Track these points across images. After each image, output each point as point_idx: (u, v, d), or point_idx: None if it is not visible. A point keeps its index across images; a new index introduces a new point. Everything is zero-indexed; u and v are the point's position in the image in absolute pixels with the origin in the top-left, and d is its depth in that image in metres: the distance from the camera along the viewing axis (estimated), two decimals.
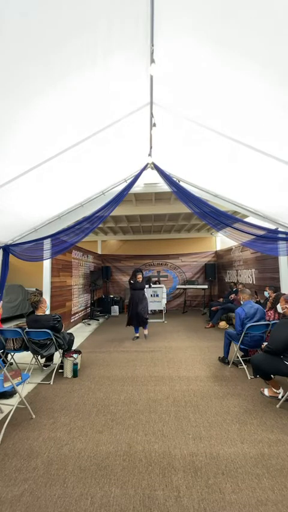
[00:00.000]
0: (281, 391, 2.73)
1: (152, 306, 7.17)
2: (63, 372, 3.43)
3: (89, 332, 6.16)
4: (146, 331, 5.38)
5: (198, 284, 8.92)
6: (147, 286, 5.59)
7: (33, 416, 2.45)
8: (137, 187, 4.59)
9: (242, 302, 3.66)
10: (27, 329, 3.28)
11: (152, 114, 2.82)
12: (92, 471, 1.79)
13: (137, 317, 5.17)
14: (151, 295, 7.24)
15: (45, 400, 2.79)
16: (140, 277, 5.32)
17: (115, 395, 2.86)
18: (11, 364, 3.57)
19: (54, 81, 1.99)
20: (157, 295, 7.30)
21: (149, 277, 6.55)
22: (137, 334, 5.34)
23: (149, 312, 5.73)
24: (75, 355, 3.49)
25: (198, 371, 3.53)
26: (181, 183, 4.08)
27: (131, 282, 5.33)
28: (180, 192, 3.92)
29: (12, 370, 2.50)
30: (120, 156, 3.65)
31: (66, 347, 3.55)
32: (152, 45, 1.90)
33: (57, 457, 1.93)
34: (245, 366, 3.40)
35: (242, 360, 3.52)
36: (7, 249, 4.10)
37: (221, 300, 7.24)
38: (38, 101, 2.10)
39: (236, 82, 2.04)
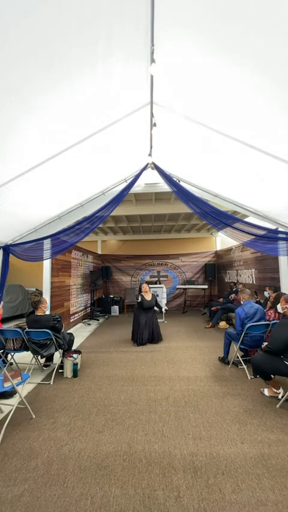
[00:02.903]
0: (281, 391, 2.73)
1: None
2: (63, 372, 3.43)
3: (89, 332, 6.16)
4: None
5: (198, 284, 8.93)
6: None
7: (33, 416, 2.45)
8: (137, 187, 4.58)
9: (242, 302, 3.66)
10: (27, 329, 3.28)
11: (152, 113, 2.82)
12: (92, 471, 1.78)
13: (152, 336, 4.86)
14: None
15: (45, 400, 2.79)
16: (146, 289, 4.93)
17: (115, 395, 2.86)
18: (11, 364, 3.57)
19: (54, 81, 1.99)
20: (157, 295, 7.29)
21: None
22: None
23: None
24: (75, 355, 3.49)
25: (198, 371, 3.53)
26: (181, 183, 4.08)
27: (137, 300, 4.91)
28: (180, 192, 3.92)
29: (12, 370, 2.50)
30: (121, 156, 3.65)
31: (66, 347, 3.55)
32: (152, 45, 1.90)
33: (57, 457, 1.93)
34: (245, 366, 3.40)
35: (242, 360, 3.52)
36: (7, 249, 4.10)
37: (221, 300, 7.24)
38: (38, 100, 2.10)
39: (237, 81, 2.04)
